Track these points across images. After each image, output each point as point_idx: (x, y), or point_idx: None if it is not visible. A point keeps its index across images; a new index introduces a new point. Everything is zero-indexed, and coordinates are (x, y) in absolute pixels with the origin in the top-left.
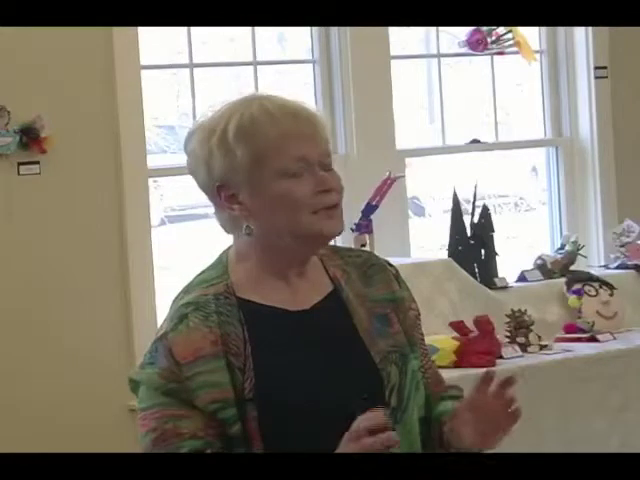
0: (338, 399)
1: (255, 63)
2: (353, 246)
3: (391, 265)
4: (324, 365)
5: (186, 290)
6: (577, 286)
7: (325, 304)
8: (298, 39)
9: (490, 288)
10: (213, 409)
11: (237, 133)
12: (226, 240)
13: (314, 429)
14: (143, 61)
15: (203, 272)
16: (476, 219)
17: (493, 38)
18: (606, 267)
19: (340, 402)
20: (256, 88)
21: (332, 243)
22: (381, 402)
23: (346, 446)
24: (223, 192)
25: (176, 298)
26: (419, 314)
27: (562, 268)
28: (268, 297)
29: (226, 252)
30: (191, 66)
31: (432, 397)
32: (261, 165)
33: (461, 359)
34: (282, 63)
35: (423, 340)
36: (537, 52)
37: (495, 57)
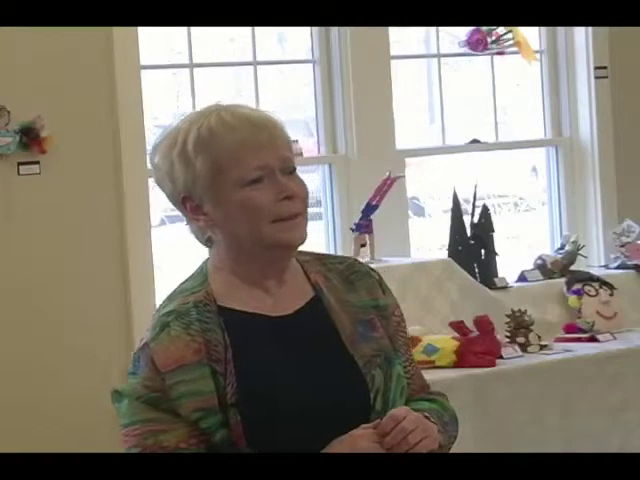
0: (321, 403)
1: (255, 63)
2: (353, 246)
3: (374, 271)
4: (306, 369)
5: (168, 299)
6: (577, 286)
7: (306, 310)
8: (298, 39)
9: (490, 288)
10: (196, 417)
11: (196, 145)
12: None
13: (298, 432)
14: (143, 61)
15: (185, 281)
16: (476, 219)
17: (493, 38)
18: (606, 267)
19: (323, 405)
20: (256, 88)
21: (312, 249)
22: (366, 406)
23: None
24: (188, 203)
25: (159, 307)
26: (403, 320)
27: (562, 268)
28: (248, 304)
29: (206, 262)
30: (191, 66)
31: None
32: (221, 175)
33: (461, 359)
34: (282, 63)
35: (408, 346)
36: (537, 52)
37: (495, 57)
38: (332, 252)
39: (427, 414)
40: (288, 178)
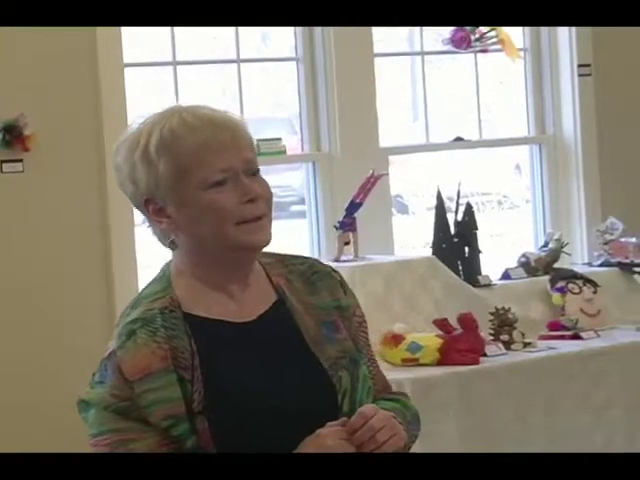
0: (289, 406)
1: (239, 61)
2: (337, 244)
3: (335, 272)
4: (273, 374)
5: (133, 305)
6: (561, 284)
7: (270, 314)
8: (282, 37)
9: (474, 286)
10: (166, 425)
11: (158, 147)
12: None
13: (266, 438)
14: (126, 59)
15: (148, 286)
16: (460, 217)
17: (477, 36)
18: (590, 265)
19: (291, 409)
20: (240, 86)
21: (274, 250)
22: (334, 408)
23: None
24: (151, 206)
25: (123, 314)
26: (364, 320)
27: (546, 266)
28: (213, 311)
29: (168, 265)
30: (175, 64)
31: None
32: (184, 177)
33: (445, 357)
34: (265, 61)
35: (370, 346)
36: (521, 50)
37: (479, 55)
38: (316, 250)
39: (392, 413)
40: (251, 180)
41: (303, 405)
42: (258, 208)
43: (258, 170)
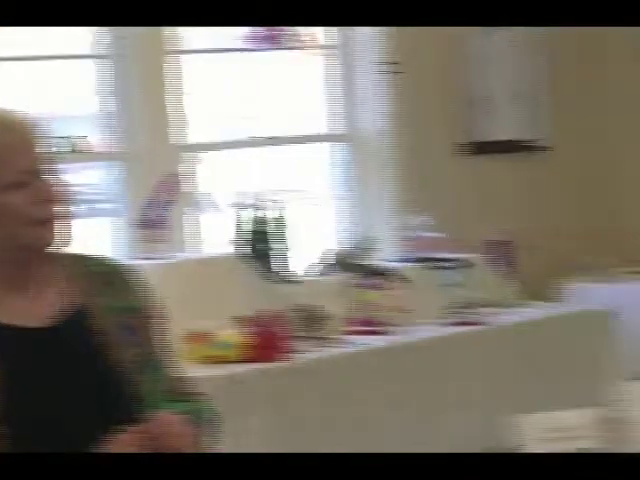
0: (87, 412)
1: (40, 58)
2: (143, 242)
3: (133, 272)
4: (70, 380)
5: None
6: (369, 280)
7: (69, 317)
8: (83, 34)
9: (282, 282)
10: None
11: None
12: None
13: (64, 445)
14: None
15: None
16: (267, 214)
17: (280, 33)
18: (397, 261)
19: (89, 415)
20: (41, 84)
21: (75, 250)
22: (132, 411)
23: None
24: None
25: None
26: (162, 321)
27: (354, 262)
28: (8, 315)
29: None
30: None
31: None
32: None
33: (252, 354)
34: (66, 58)
35: (166, 348)
36: (324, 47)
37: (283, 52)
38: (121, 249)
39: (189, 416)
40: (43, 181)
41: (101, 410)
42: (50, 208)
43: (49, 170)
